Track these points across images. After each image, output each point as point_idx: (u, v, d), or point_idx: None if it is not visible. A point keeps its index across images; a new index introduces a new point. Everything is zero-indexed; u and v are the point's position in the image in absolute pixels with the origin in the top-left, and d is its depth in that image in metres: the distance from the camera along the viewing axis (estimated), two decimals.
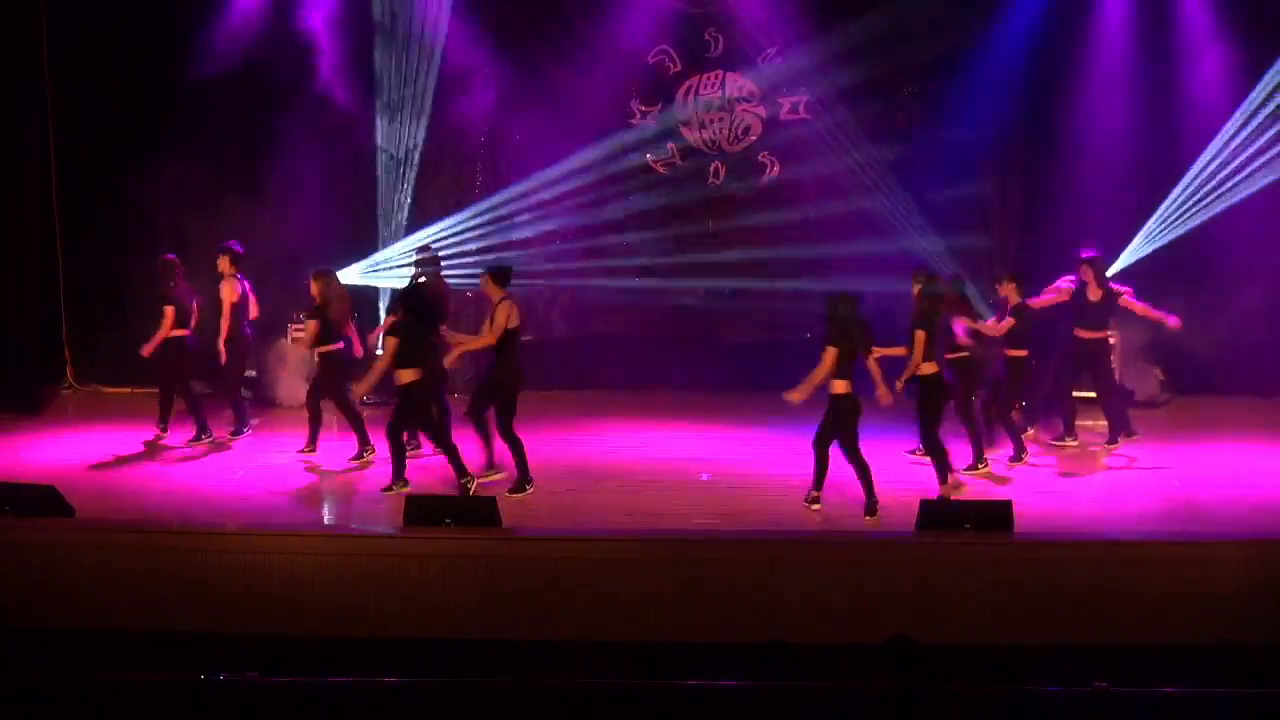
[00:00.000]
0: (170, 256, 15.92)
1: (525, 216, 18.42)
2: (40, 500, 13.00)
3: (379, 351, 15.35)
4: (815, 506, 13.69)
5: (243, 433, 16.04)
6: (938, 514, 12.93)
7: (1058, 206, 17.78)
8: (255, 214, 17.51)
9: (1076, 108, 17.83)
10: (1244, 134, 17.23)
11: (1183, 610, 12.17)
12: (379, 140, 18.16)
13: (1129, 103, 17.75)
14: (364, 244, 18.16)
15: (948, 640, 11.00)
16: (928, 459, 14.26)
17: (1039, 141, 18.03)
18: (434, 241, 17.63)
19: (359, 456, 15.10)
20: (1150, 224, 17.42)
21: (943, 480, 14.08)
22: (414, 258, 16.50)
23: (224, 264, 15.81)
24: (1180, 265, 16.80)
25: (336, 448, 15.29)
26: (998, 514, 12.87)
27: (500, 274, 14.21)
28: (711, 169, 18.62)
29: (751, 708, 7.48)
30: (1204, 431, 16.42)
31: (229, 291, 15.78)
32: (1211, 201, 17.31)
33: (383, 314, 17.52)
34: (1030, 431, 16.00)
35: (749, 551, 12.70)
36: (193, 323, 15.86)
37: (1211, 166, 17.31)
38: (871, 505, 13.50)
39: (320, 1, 17.73)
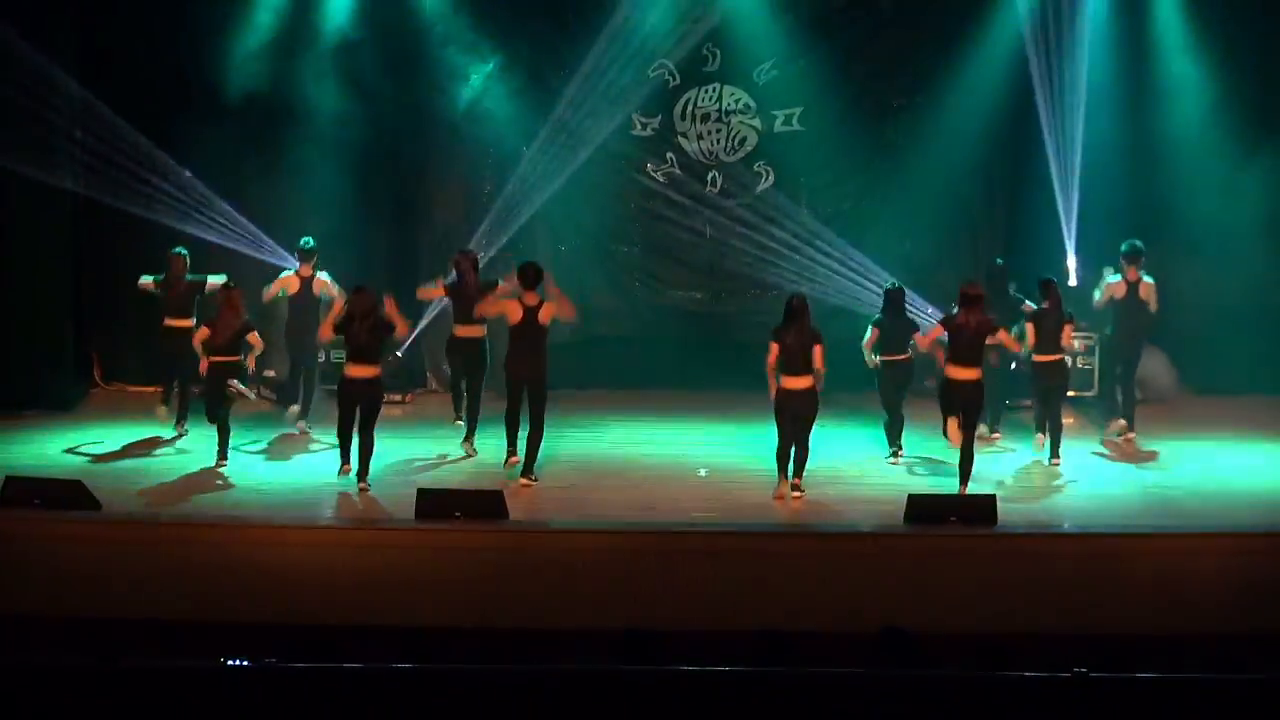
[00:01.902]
0: (178, 250, 16.13)
1: (531, 223, 18.39)
2: (68, 494, 13.04)
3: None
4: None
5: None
6: (925, 508, 12.95)
7: (1042, 215, 17.79)
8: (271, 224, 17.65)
9: (1060, 120, 17.79)
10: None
11: (1158, 600, 12.19)
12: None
13: (1111, 116, 17.74)
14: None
15: (935, 628, 10.99)
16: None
17: (1024, 154, 17.99)
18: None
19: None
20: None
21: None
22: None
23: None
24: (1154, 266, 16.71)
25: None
26: (982, 508, 12.91)
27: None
28: (709, 178, 18.62)
29: (748, 693, 7.48)
30: (1179, 429, 16.41)
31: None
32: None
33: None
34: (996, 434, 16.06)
35: (744, 543, 12.74)
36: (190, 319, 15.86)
37: None
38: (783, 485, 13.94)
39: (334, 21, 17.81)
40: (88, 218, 17.71)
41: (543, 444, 14.36)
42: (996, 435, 15.89)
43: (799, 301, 13.83)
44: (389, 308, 14.18)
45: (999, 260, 16.36)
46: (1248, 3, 17.56)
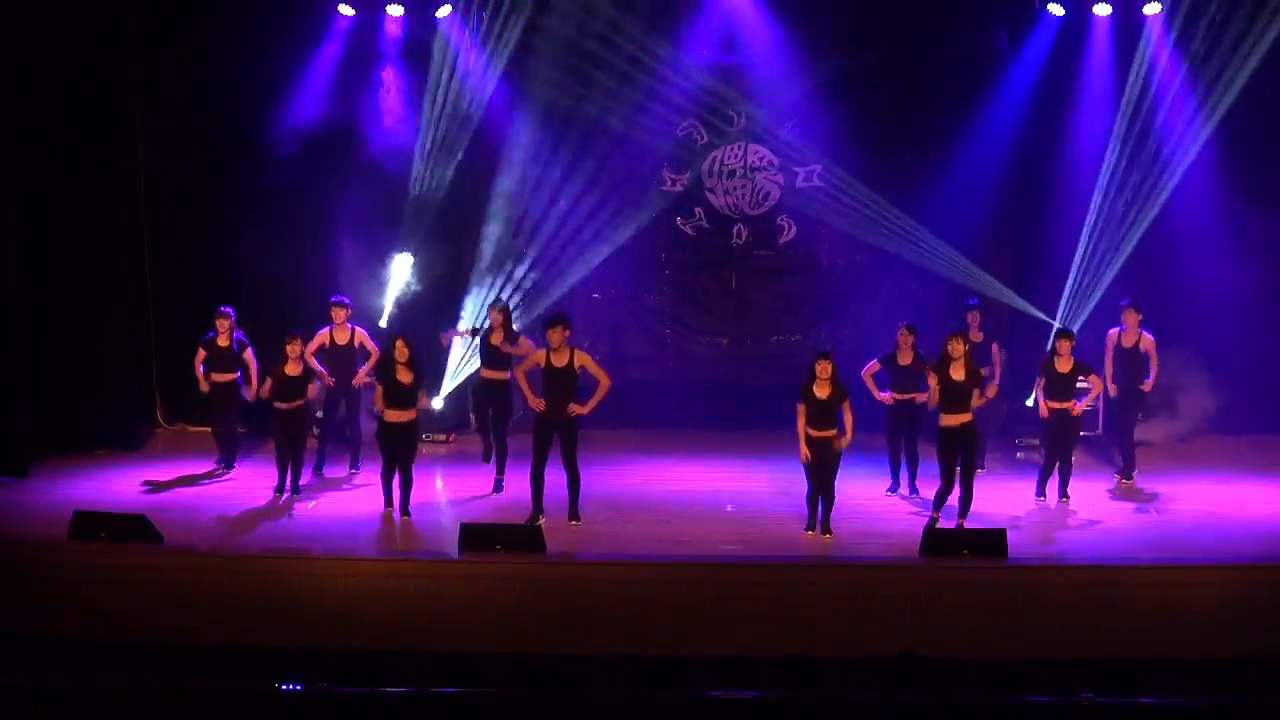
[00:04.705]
0: (224, 309, 16.01)
1: (568, 272, 18.45)
2: (132, 528, 13.09)
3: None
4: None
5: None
6: (940, 541, 12.92)
7: (1046, 265, 17.79)
8: (327, 271, 17.72)
9: (1063, 174, 17.82)
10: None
11: (1161, 628, 12.13)
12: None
13: (1110, 171, 17.73)
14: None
15: (949, 654, 10.94)
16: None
17: (1030, 206, 18.02)
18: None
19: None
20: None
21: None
22: None
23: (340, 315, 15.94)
24: (1150, 310, 16.60)
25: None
26: (993, 541, 12.86)
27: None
28: (734, 231, 18.64)
29: (771, 716, 7.45)
30: (1181, 467, 16.32)
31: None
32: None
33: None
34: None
35: (769, 574, 12.71)
36: (246, 370, 15.80)
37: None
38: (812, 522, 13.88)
39: (381, 85, 17.88)
40: (154, 263, 17.80)
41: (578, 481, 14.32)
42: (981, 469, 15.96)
43: (832, 364, 13.67)
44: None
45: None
46: (1247, 63, 17.48)
